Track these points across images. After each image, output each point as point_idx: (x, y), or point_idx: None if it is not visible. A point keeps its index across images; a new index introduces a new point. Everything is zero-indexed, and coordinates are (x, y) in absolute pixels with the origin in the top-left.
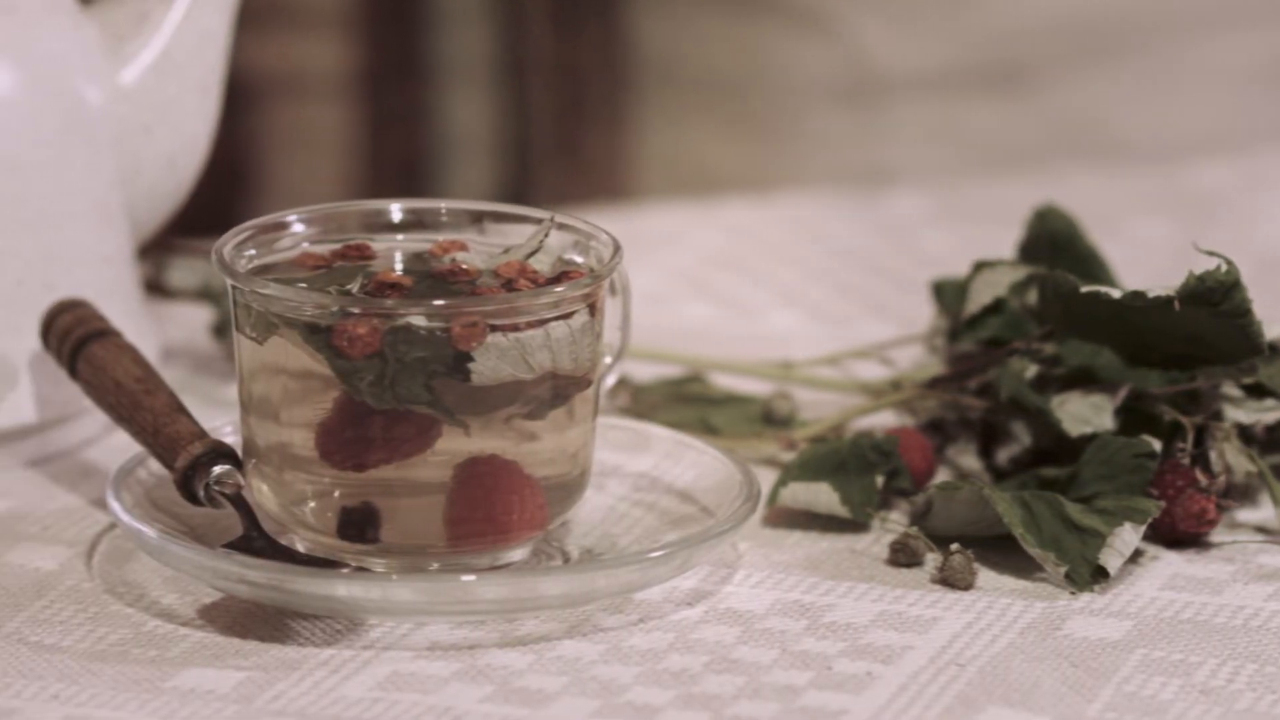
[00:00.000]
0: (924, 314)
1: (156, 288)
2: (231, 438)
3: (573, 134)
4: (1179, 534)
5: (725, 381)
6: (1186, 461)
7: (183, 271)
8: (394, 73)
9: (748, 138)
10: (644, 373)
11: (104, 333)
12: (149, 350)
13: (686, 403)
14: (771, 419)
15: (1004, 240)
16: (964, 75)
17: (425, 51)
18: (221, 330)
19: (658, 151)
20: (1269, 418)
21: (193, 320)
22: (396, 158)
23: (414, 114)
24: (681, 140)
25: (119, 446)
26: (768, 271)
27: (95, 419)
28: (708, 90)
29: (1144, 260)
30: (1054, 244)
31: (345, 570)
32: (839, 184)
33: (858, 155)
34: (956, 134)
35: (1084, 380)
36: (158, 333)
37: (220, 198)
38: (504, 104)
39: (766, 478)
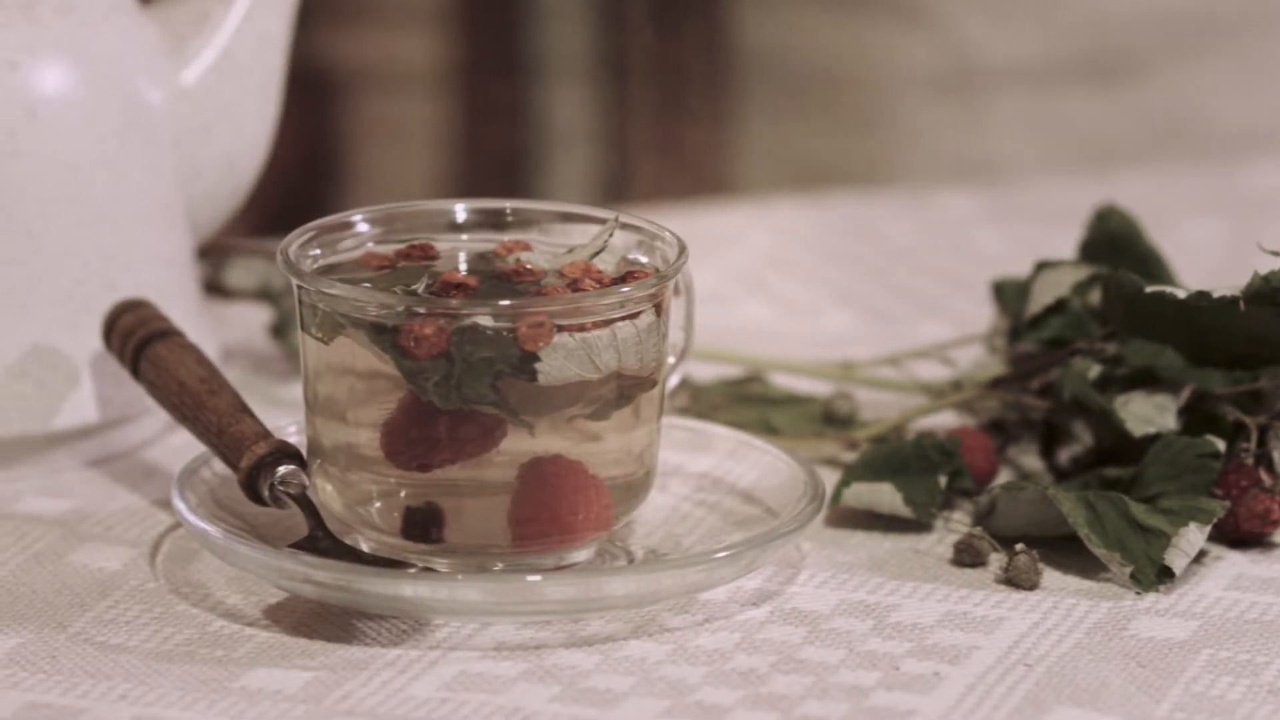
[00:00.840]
0: (978, 314)
1: (215, 288)
2: (295, 438)
3: (673, 129)
4: (1243, 534)
5: (785, 381)
6: (1250, 461)
7: (241, 271)
8: (493, 68)
9: (848, 131)
10: (703, 373)
11: (166, 333)
12: (210, 350)
13: (747, 403)
14: (832, 419)
15: (1055, 239)
16: (1063, 67)
17: (525, 46)
18: (280, 330)
19: (758, 146)
20: None
21: (251, 320)
22: (495, 153)
23: (513, 109)
24: (782, 134)
25: (179, 446)
26: (822, 271)
27: (155, 419)
28: (808, 84)
29: (1199, 260)
30: (1114, 244)
31: (412, 570)
32: (943, 176)
33: (958, 148)
34: (1056, 126)
35: (1147, 380)
36: (218, 333)
37: (317, 192)
38: (604, 99)
39: (826, 478)
